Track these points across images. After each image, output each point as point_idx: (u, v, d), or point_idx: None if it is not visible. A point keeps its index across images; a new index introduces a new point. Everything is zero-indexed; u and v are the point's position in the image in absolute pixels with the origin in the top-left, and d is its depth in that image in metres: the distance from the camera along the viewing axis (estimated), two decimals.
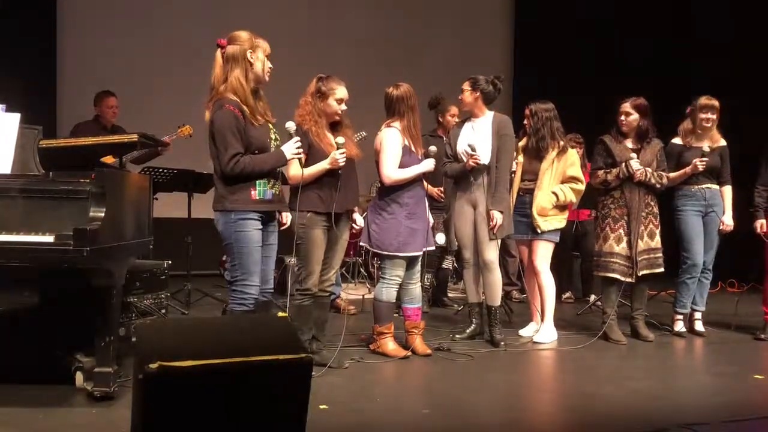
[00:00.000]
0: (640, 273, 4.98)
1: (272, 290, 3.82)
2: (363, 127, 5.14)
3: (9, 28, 7.29)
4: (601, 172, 5.09)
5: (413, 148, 4.44)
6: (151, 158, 6.04)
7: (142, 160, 6.03)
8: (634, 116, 5.03)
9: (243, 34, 3.53)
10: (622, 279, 5.01)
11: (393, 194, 4.42)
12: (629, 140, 5.09)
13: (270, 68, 3.61)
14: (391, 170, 4.39)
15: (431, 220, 4.71)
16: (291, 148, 3.64)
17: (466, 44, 9.60)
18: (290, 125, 3.78)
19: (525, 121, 5.10)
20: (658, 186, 5.03)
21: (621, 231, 5.01)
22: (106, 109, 6.12)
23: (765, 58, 7.84)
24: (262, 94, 3.64)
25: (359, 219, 4.47)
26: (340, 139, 4.00)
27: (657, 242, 5.05)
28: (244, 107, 3.47)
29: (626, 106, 5.05)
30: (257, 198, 3.52)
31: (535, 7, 9.55)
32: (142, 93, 7.62)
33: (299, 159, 3.74)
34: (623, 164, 4.96)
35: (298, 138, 3.69)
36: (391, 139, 4.41)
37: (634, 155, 4.96)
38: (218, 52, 3.53)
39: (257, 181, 3.52)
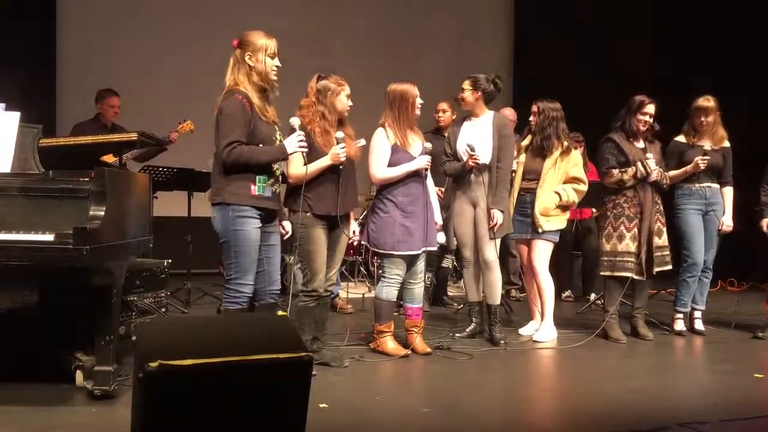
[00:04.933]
0: (655, 271, 4.99)
1: (279, 291, 3.79)
2: (361, 127, 5.11)
3: (9, 28, 7.29)
4: (616, 172, 5.00)
5: (405, 146, 4.42)
6: (154, 155, 6.02)
7: (146, 157, 6.02)
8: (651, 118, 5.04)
9: (250, 36, 3.54)
10: (637, 278, 4.99)
11: (387, 192, 4.41)
12: (639, 140, 5.07)
13: (277, 66, 3.58)
14: (377, 169, 4.39)
15: (439, 220, 4.71)
16: (294, 142, 3.60)
17: (466, 44, 9.60)
18: (294, 120, 3.77)
19: (531, 118, 5.09)
20: (664, 185, 5.07)
21: (636, 230, 4.98)
22: (107, 107, 6.02)
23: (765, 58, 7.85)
24: (271, 97, 3.62)
25: (354, 225, 4.44)
26: (340, 134, 3.98)
27: (665, 240, 5.07)
28: (254, 101, 3.48)
29: (652, 108, 5.01)
30: (256, 193, 3.50)
31: (535, 7, 9.55)
32: (142, 92, 7.62)
33: (303, 155, 3.72)
34: (639, 164, 4.94)
35: (301, 132, 3.67)
36: (377, 139, 4.41)
37: (650, 155, 4.96)
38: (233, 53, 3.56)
39: (257, 177, 3.50)
